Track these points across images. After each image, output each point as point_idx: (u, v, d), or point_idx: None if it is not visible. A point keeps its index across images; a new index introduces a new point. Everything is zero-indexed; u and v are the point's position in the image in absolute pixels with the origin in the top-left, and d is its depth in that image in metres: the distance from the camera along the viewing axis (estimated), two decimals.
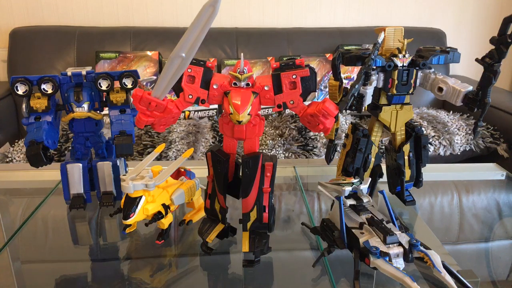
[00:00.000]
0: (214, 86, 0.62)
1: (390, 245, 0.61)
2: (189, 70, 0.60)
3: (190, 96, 0.62)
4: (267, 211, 0.68)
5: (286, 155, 1.61)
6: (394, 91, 0.78)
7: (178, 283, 0.69)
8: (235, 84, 0.62)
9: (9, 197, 1.03)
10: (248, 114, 0.60)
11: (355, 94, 0.70)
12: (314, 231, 0.74)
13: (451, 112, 1.97)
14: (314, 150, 1.64)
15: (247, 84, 0.62)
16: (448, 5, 2.41)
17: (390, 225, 0.65)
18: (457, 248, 0.81)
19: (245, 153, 0.66)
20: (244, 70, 0.61)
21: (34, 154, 0.74)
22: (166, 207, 0.70)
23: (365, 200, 0.71)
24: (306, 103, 0.63)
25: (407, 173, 0.85)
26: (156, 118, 0.61)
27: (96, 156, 0.86)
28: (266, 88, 0.62)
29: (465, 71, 2.40)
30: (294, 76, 0.61)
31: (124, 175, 0.66)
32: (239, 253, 0.71)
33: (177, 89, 0.62)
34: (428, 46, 0.79)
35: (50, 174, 0.98)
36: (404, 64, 0.76)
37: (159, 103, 0.59)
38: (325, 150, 0.94)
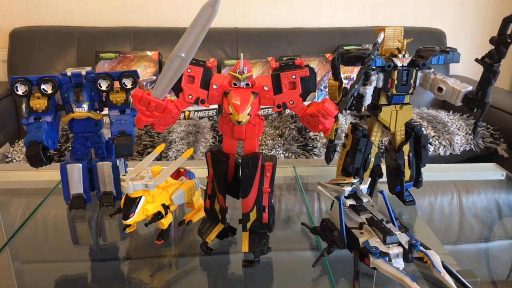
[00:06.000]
0: (214, 86, 0.62)
1: (390, 245, 0.61)
2: (188, 70, 0.60)
3: (190, 96, 0.62)
4: (266, 211, 0.68)
5: (286, 155, 1.61)
6: (394, 91, 0.78)
7: (178, 283, 0.69)
8: (234, 84, 0.62)
9: (9, 197, 1.03)
10: (248, 114, 0.60)
11: (355, 94, 0.70)
12: (314, 231, 0.74)
13: (451, 112, 1.97)
14: (314, 150, 1.64)
15: (247, 84, 0.62)
16: (448, 5, 2.40)
17: (389, 225, 0.65)
18: (457, 248, 0.81)
19: (244, 153, 0.66)
20: (244, 70, 0.61)
21: (34, 154, 0.74)
22: (166, 207, 0.70)
23: (364, 200, 0.71)
24: (306, 103, 0.63)
25: (407, 173, 0.85)
26: (155, 118, 0.61)
27: (96, 156, 0.86)
28: (265, 88, 0.62)
29: (465, 71, 2.40)
30: (293, 76, 0.61)
31: (124, 175, 0.67)
32: (239, 253, 0.71)
33: (177, 89, 0.62)
34: (428, 46, 0.79)
35: (50, 174, 0.98)
36: (404, 64, 0.76)
37: (159, 103, 0.59)
38: (325, 150, 0.94)
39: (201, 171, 0.82)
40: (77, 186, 0.83)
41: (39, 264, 0.76)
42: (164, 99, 0.60)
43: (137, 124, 0.62)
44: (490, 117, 1.85)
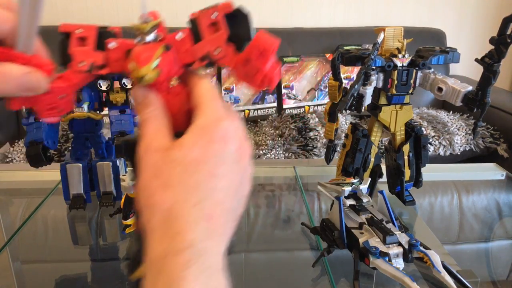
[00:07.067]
0: (110, 45, 0.42)
1: (390, 245, 0.61)
2: (79, 30, 0.43)
3: (83, 63, 0.42)
4: None
5: (286, 155, 1.61)
6: (394, 91, 0.78)
7: None
8: (139, 41, 0.42)
9: (9, 197, 1.03)
10: (156, 69, 0.39)
11: (355, 94, 0.70)
12: (314, 231, 0.74)
13: (451, 112, 1.98)
14: (314, 150, 1.64)
15: (156, 38, 0.43)
16: (448, 5, 2.41)
17: (389, 225, 0.65)
18: (457, 248, 0.81)
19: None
20: (149, 19, 0.43)
21: (34, 155, 0.74)
22: None
23: (364, 200, 0.71)
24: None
25: (407, 173, 0.85)
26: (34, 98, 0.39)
27: (96, 156, 0.86)
28: (178, 36, 0.42)
29: (465, 71, 2.40)
30: (215, 15, 0.42)
31: (124, 175, 0.67)
32: (239, 253, 0.71)
33: (65, 58, 0.43)
34: (428, 46, 0.79)
35: (50, 174, 0.98)
36: (404, 64, 0.76)
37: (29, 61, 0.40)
38: (325, 150, 0.94)
39: None
40: (77, 186, 0.83)
41: (39, 264, 0.76)
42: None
43: (11, 106, 0.39)
44: (490, 117, 1.85)
